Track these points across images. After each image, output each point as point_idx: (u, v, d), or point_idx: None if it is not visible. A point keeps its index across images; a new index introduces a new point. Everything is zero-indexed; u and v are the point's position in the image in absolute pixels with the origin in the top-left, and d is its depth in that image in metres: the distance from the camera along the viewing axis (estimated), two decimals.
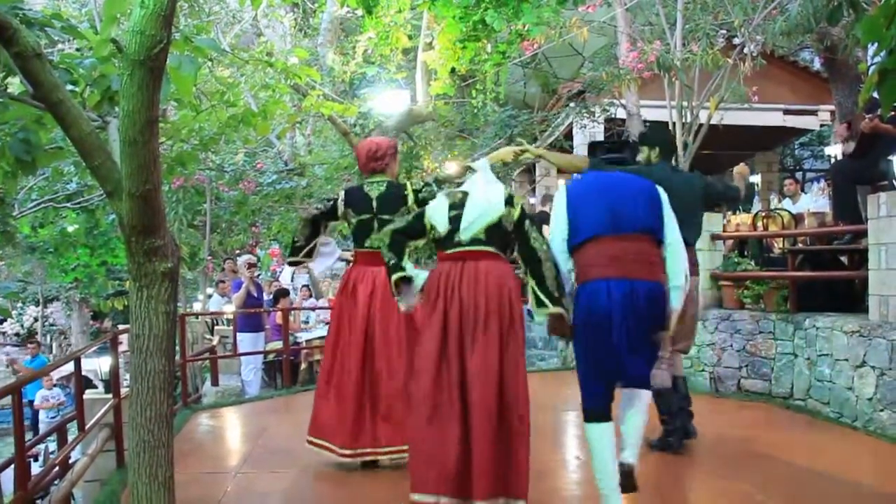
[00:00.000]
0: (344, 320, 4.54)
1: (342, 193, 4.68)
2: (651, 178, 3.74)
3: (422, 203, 4.20)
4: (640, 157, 4.65)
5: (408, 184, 4.67)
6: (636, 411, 3.55)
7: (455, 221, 3.54)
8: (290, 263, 5.16)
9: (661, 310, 3.44)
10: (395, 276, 3.69)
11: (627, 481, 3.50)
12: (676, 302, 3.47)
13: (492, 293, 3.45)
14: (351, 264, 4.74)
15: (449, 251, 3.57)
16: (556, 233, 3.57)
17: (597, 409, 3.48)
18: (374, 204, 4.50)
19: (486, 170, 3.70)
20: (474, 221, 3.52)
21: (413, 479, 3.44)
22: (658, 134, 4.98)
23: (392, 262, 3.69)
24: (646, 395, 3.57)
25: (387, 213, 4.44)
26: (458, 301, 3.46)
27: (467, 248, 3.53)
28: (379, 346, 4.41)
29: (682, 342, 4.62)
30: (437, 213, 3.60)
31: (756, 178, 12.09)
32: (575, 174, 4.13)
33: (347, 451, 4.36)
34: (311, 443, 4.55)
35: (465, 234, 3.52)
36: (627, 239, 3.43)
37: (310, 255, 4.77)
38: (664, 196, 3.60)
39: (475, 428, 3.36)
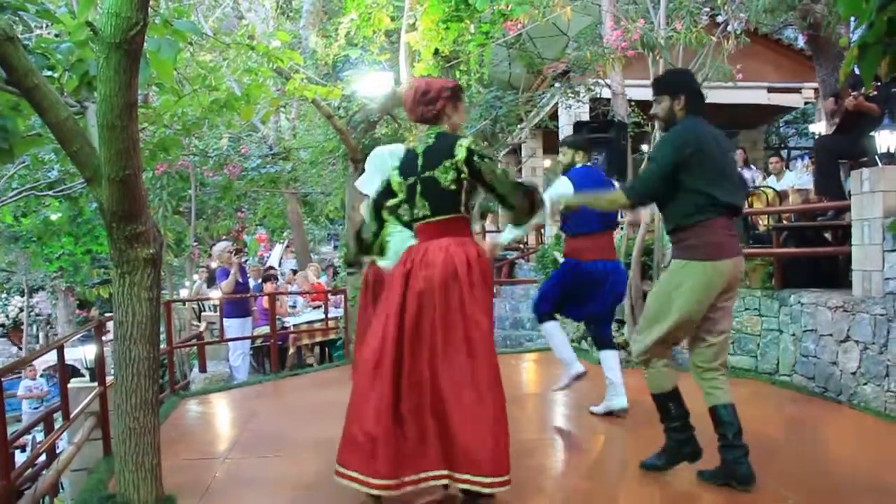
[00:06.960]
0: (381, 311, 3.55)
1: (395, 160, 3.71)
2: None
3: (474, 172, 3.41)
4: (661, 108, 3.68)
5: (465, 140, 3.48)
6: (608, 356, 5.14)
7: None
8: (350, 265, 3.99)
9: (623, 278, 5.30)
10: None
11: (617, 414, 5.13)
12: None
13: None
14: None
15: None
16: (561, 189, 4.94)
17: (549, 315, 5.23)
18: (420, 161, 3.51)
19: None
20: None
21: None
22: (674, 77, 3.86)
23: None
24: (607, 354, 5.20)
25: (428, 171, 3.46)
26: None
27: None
28: (409, 346, 3.40)
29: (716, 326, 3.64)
30: None
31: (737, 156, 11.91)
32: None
33: (377, 482, 3.30)
34: (343, 475, 3.46)
35: None
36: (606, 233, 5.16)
37: (381, 251, 3.88)
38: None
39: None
